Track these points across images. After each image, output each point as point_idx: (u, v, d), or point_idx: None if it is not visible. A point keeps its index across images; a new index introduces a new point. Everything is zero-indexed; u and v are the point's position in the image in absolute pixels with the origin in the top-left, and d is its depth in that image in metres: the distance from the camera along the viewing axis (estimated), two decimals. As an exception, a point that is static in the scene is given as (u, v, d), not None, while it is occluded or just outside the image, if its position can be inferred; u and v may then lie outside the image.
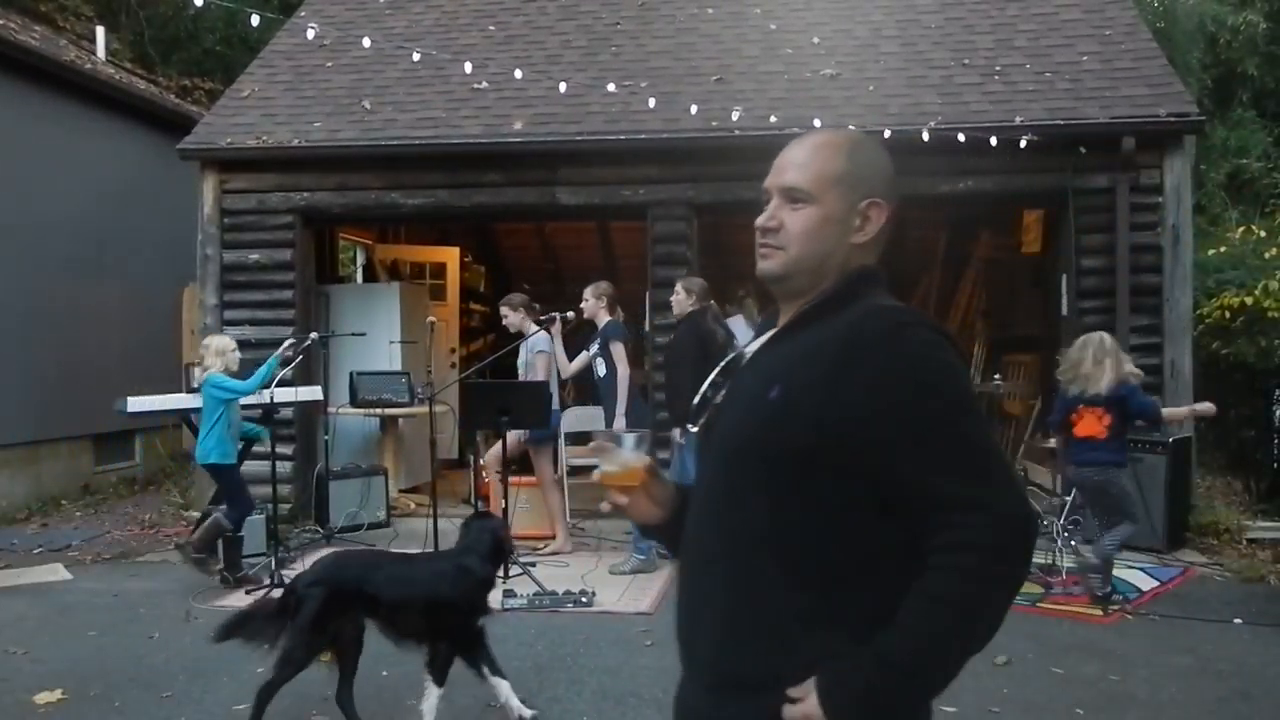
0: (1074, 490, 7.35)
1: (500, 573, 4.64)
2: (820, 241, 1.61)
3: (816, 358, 1.51)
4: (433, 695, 4.22)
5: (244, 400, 7.81)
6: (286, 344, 7.19)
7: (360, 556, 5.15)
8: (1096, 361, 6.20)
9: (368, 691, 4.86)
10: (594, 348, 7.43)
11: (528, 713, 4.34)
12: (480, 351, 12.58)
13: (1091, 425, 6.19)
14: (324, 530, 8.27)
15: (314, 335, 7.78)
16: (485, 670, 4.32)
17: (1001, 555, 1.41)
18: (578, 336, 8.33)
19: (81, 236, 10.60)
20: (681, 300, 7.06)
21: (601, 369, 7.31)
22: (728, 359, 1.77)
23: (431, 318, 8.68)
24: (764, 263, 1.65)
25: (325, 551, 6.19)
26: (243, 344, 8.81)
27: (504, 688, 4.32)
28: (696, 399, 1.74)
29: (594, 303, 7.40)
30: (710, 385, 1.73)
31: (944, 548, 1.40)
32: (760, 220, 1.64)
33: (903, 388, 1.45)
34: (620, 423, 7.03)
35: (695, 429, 1.72)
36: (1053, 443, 6.83)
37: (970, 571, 1.39)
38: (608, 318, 7.34)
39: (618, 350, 7.19)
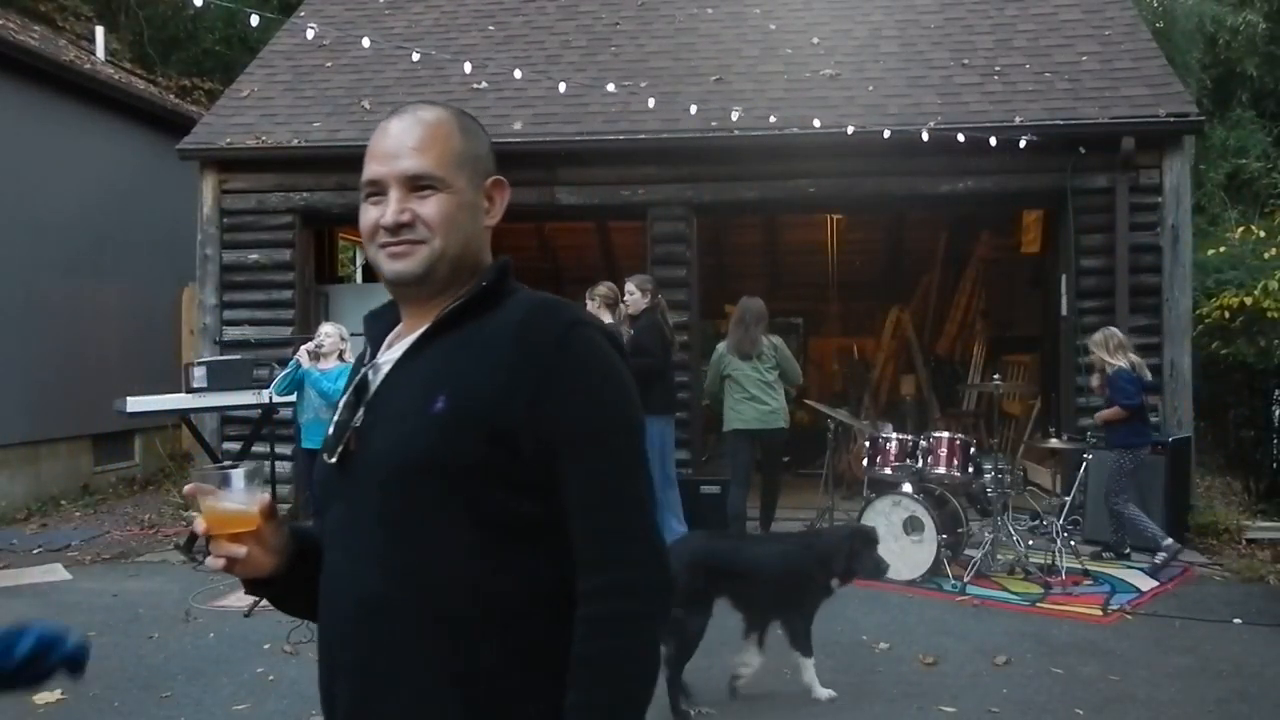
0: (1074, 489, 7.36)
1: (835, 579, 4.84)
2: (460, 230, 1.44)
3: (483, 360, 1.38)
4: (809, 667, 4.64)
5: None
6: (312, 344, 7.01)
7: (720, 539, 5.56)
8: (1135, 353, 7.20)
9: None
10: None
11: (821, 693, 4.65)
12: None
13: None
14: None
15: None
16: (758, 640, 4.68)
17: (644, 602, 1.36)
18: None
19: (81, 236, 10.60)
20: (638, 299, 7.14)
21: None
22: (358, 376, 1.50)
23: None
24: (400, 263, 1.43)
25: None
26: (242, 344, 8.88)
27: (809, 670, 4.68)
28: (330, 428, 1.48)
29: (590, 305, 7.29)
30: (344, 408, 1.47)
31: (591, 595, 1.34)
32: (389, 217, 1.42)
33: (578, 397, 1.36)
34: None
35: (332, 460, 1.44)
36: (1055, 442, 7.06)
37: (616, 621, 1.33)
38: (608, 320, 7.24)
39: None
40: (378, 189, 1.44)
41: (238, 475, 1.43)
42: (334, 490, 1.46)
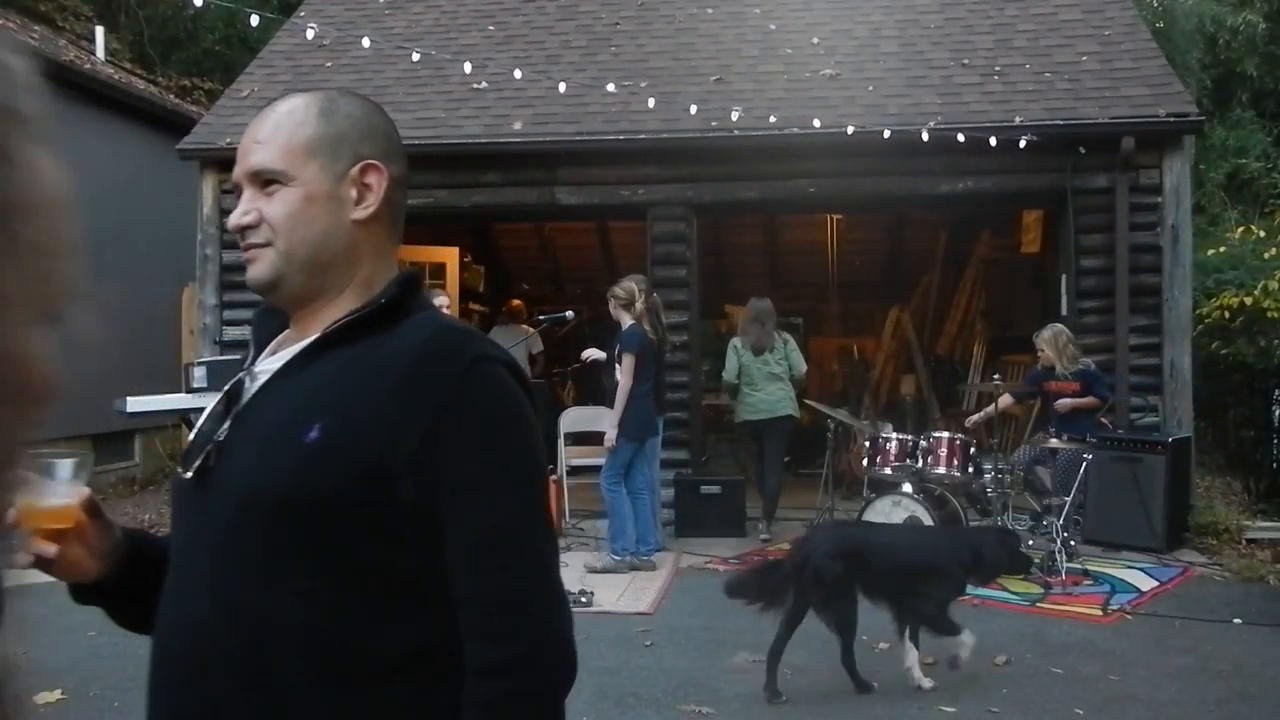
0: (1074, 489, 7.36)
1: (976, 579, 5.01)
2: (310, 226, 1.28)
3: (371, 388, 1.21)
4: (968, 642, 4.72)
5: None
6: None
7: (860, 529, 5.84)
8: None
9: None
10: (617, 350, 7.18)
11: (926, 683, 4.75)
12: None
13: None
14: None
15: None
16: (906, 634, 4.79)
17: (545, 677, 1.22)
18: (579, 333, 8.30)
19: (81, 236, 10.59)
20: (640, 304, 7.12)
21: (616, 374, 7.11)
22: (230, 384, 1.33)
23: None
24: (253, 268, 1.29)
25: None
26: (242, 344, 8.87)
27: (911, 656, 4.78)
28: (191, 435, 1.34)
29: (610, 304, 7.20)
30: (209, 418, 1.31)
31: (485, 671, 1.19)
32: (233, 219, 1.30)
33: (474, 443, 1.21)
34: (611, 434, 6.94)
35: (188, 474, 1.28)
36: (1055, 443, 7.13)
37: (514, 701, 1.19)
38: (629, 321, 7.02)
39: (626, 361, 6.96)
40: (238, 190, 1.32)
41: (64, 465, 1.28)
42: (187, 508, 1.30)
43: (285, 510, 1.19)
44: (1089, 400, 7.24)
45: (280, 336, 1.37)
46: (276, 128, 1.30)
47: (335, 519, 1.19)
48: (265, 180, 1.29)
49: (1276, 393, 9.22)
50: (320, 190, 1.29)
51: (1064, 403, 7.24)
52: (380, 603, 1.21)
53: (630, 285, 7.16)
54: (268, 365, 1.32)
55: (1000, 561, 4.93)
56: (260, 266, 1.29)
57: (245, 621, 1.21)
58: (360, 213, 1.31)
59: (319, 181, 1.29)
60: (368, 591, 1.20)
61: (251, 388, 1.31)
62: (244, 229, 1.29)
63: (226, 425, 1.28)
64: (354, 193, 1.31)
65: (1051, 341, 7.30)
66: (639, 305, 7.05)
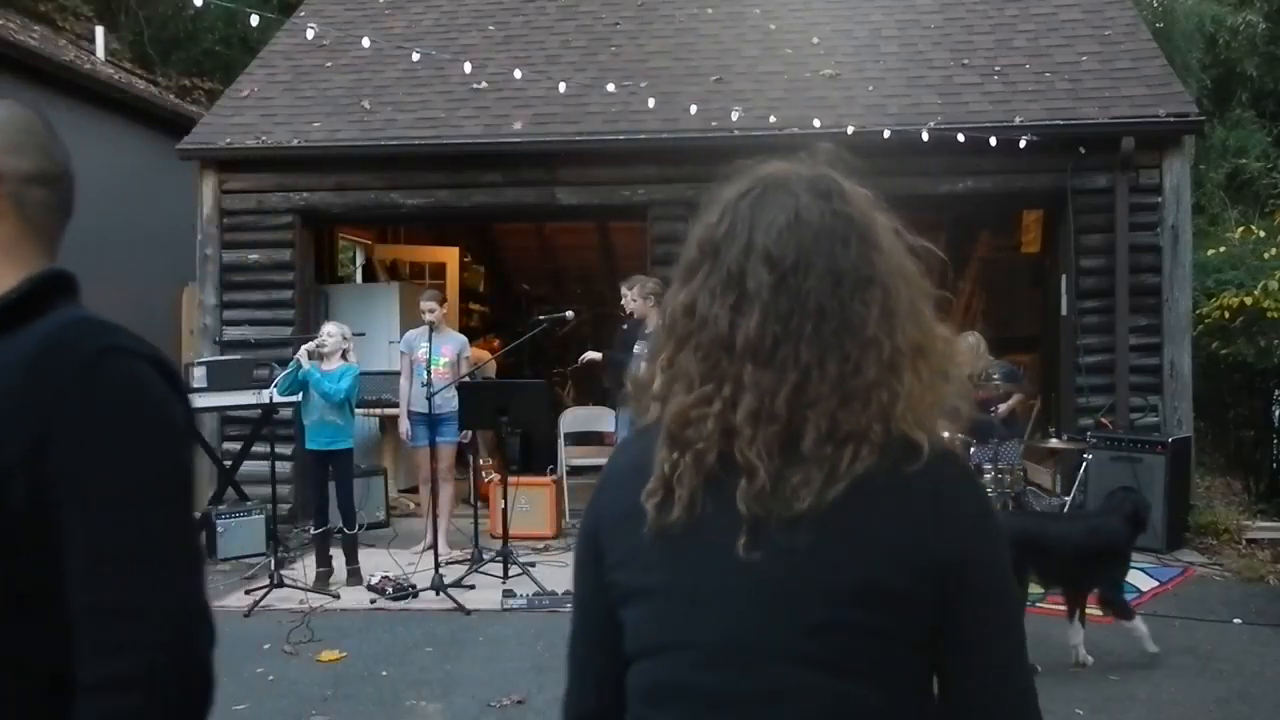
0: (1074, 489, 7.38)
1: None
2: None
3: None
4: (1138, 626, 5.04)
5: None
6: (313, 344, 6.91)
7: (1026, 517, 6.13)
8: None
9: (367, 692, 4.87)
10: (639, 348, 7.12)
11: (1153, 648, 5.10)
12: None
13: None
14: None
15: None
16: (1076, 616, 5.09)
17: (170, 694, 1.14)
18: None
19: (81, 236, 10.48)
20: (635, 305, 7.16)
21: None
22: None
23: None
24: None
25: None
26: (242, 344, 8.89)
27: (1078, 635, 5.11)
28: None
29: (641, 303, 7.12)
30: None
31: (99, 687, 1.09)
32: None
33: (96, 442, 1.11)
34: (624, 433, 6.98)
35: None
36: (1055, 442, 7.22)
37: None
38: (656, 319, 6.94)
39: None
40: None
41: None
42: None
43: None
44: (1019, 398, 7.34)
45: None
46: None
47: None
48: None
49: (1276, 393, 9.23)
50: None
51: (1003, 407, 7.33)
52: (13, 624, 1.11)
53: (657, 281, 7.11)
54: None
55: (1146, 520, 5.25)
56: None
57: None
58: None
59: None
60: (25, 623, 1.11)
61: None
62: None
63: None
64: None
65: (973, 350, 7.17)
66: (644, 307, 7.08)
